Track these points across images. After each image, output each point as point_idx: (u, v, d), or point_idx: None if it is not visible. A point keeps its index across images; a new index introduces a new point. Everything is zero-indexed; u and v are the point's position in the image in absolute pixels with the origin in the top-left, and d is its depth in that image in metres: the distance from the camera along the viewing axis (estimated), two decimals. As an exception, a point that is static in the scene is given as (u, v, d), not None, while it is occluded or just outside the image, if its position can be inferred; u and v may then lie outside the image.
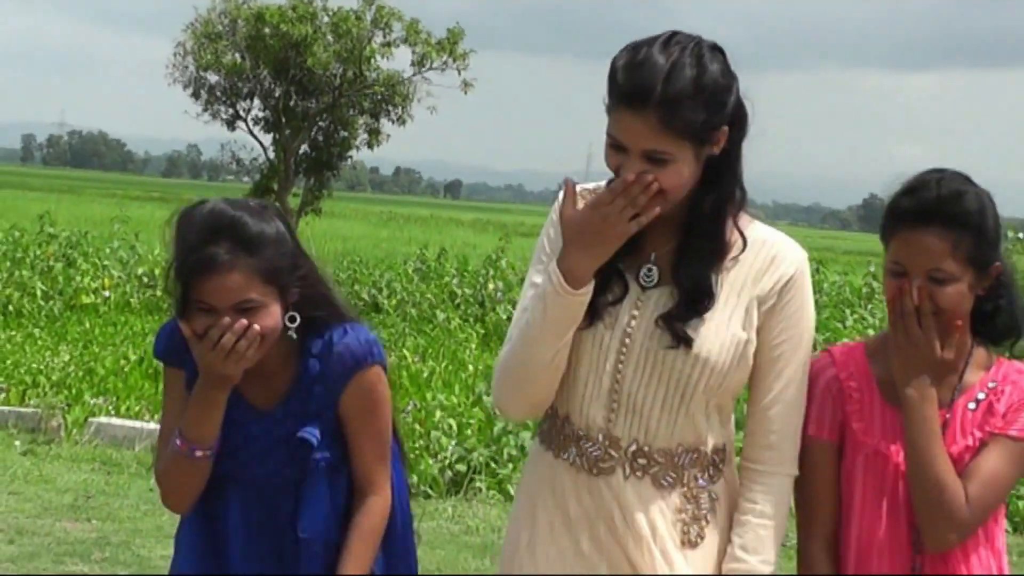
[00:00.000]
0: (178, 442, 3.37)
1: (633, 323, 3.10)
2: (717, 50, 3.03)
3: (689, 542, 3.13)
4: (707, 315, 3.05)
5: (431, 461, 9.81)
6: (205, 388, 3.33)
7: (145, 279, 22.11)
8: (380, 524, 3.53)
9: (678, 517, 3.13)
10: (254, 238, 3.24)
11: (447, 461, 9.70)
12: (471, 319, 21.11)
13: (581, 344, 3.10)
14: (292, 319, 3.38)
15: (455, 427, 10.47)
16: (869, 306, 20.66)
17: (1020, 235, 19.19)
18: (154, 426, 11.05)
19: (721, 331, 3.07)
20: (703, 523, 3.14)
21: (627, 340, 3.09)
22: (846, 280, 24.37)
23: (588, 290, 2.99)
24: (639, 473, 3.12)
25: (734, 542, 3.15)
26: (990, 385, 3.20)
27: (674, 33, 3.02)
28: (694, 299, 3.06)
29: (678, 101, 2.91)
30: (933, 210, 3.04)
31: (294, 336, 3.41)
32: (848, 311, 20.28)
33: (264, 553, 3.51)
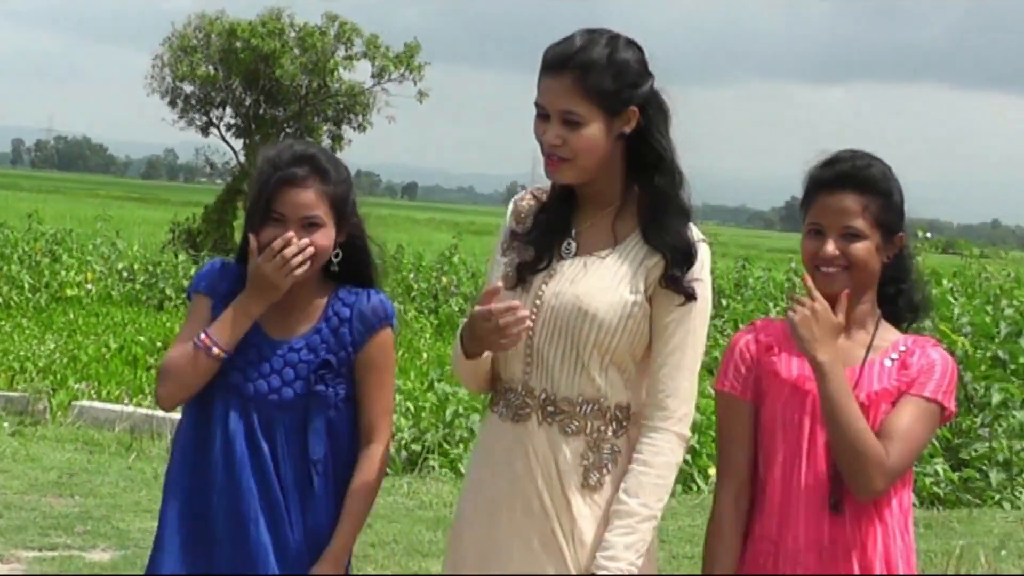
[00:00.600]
0: (202, 336, 3.43)
1: (544, 288, 3.28)
2: (633, 44, 3.25)
3: (589, 486, 3.25)
4: (599, 278, 3.24)
5: (388, 444, 9.83)
6: (248, 298, 3.44)
7: (125, 273, 22.34)
8: (380, 471, 3.56)
9: (580, 462, 3.25)
10: (328, 169, 3.47)
11: (403, 442, 9.71)
12: (426, 311, 21.24)
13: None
14: (337, 254, 3.52)
15: (413, 410, 10.41)
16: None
17: (928, 234, 19.18)
18: (132, 409, 11.11)
19: (609, 293, 3.23)
20: (604, 471, 3.26)
21: (537, 302, 3.27)
22: (770, 275, 24.57)
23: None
24: (549, 420, 3.26)
25: (620, 488, 3.24)
26: (901, 348, 3.32)
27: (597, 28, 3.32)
28: (684, 259, 3.22)
29: (590, 65, 3.16)
30: (847, 176, 3.26)
31: (335, 267, 3.52)
32: (771, 304, 20.54)
33: (268, 474, 3.46)
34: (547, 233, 3.32)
